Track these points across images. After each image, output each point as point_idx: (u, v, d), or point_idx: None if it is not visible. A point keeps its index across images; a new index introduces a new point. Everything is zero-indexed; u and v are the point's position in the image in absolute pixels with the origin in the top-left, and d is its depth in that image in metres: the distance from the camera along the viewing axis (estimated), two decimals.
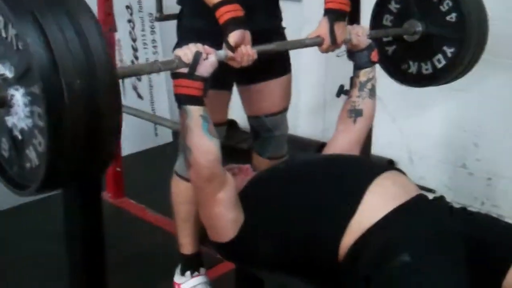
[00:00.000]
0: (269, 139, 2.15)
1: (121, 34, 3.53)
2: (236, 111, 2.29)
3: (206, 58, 1.49)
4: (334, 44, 1.81)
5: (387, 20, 2.18)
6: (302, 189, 1.59)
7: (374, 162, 1.74)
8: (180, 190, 2.04)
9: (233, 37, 1.58)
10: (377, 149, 2.98)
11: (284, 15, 2.10)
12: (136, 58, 3.77)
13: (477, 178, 2.86)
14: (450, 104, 2.87)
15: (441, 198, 1.61)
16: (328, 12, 1.82)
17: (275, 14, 2.02)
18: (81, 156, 1.13)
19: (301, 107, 3.48)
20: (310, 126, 3.53)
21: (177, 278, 2.18)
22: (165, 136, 3.87)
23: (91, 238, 1.53)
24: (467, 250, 1.45)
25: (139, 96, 3.82)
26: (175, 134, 2.91)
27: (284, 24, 2.09)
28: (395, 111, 3.09)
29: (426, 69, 2.12)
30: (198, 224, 2.05)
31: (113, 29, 2.77)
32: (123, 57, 3.69)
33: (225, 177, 1.57)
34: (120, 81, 3.79)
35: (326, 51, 1.84)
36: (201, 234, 1.99)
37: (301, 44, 1.83)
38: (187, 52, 1.47)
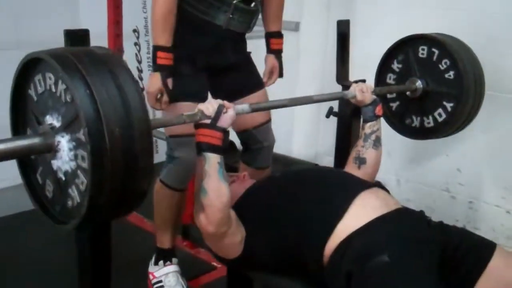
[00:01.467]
0: (258, 151, 2.38)
1: (128, 56, 3.65)
2: (233, 132, 2.44)
3: (226, 112, 1.66)
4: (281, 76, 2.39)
5: (390, 78, 2.37)
6: (295, 198, 1.76)
7: (360, 178, 1.91)
8: (164, 197, 2.28)
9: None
10: None
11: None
12: (141, 79, 3.95)
13: (459, 201, 3.01)
14: None
15: (420, 212, 1.78)
16: (275, 51, 2.38)
17: (242, 48, 2.31)
18: (118, 193, 1.28)
19: (296, 130, 3.64)
20: (304, 149, 3.68)
21: (151, 268, 2.40)
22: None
23: (99, 243, 1.70)
24: (442, 258, 1.61)
25: None
26: None
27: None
28: (384, 137, 3.22)
29: (428, 122, 2.29)
30: (177, 225, 2.34)
31: (121, 50, 2.94)
32: None
33: (231, 216, 1.69)
34: None
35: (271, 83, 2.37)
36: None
37: (308, 99, 2.00)
38: (209, 106, 1.65)
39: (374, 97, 2.06)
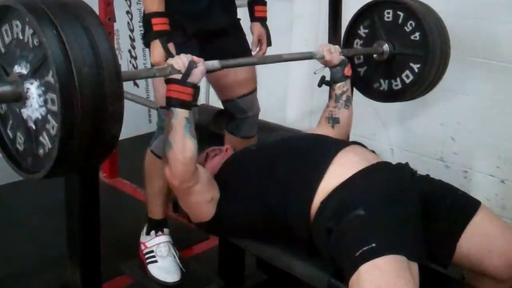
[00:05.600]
0: (243, 120, 2.38)
1: (120, 24, 3.67)
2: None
3: (196, 67, 1.68)
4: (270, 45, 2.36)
5: (357, 44, 2.40)
6: (275, 162, 1.78)
7: (337, 139, 1.95)
8: (155, 168, 2.24)
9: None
10: (360, 141, 3.11)
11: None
12: (133, 47, 3.95)
13: (453, 170, 3.01)
14: (430, 100, 2.97)
15: (405, 164, 1.80)
16: (260, 19, 2.33)
17: (232, 10, 2.28)
18: (88, 137, 1.28)
19: (290, 98, 3.63)
20: (297, 118, 3.67)
21: (143, 238, 2.39)
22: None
23: (88, 212, 1.65)
24: (425, 207, 1.62)
25: (135, 84, 4.00)
26: None
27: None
28: (377, 105, 3.16)
29: (396, 85, 2.32)
30: (167, 195, 2.30)
31: (113, 19, 2.90)
32: (121, 46, 3.87)
33: (197, 173, 1.72)
34: None
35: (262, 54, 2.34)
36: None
37: (278, 58, 2.03)
38: (178, 61, 1.66)
39: (343, 57, 2.10)
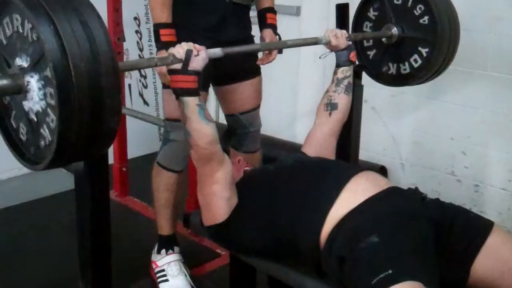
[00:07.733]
0: (244, 135, 2.41)
1: (129, 44, 3.72)
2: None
3: (197, 55, 1.68)
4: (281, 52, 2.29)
5: (367, 26, 2.38)
6: (289, 186, 1.77)
7: (350, 164, 1.94)
8: (161, 179, 2.29)
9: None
10: (370, 156, 3.19)
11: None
12: None
13: (465, 185, 2.98)
14: (440, 114, 3.04)
15: (415, 189, 1.76)
16: (272, 26, 2.32)
17: (246, 25, 2.29)
18: (86, 130, 1.31)
19: (299, 115, 3.63)
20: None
21: (154, 257, 2.41)
22: None
23: (99, 231, 1.65)
24: (438, 233, 1.59)
25: (145, 103, 4.07)
26: None
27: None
28: (387, 120, 3.24)
29: (404, 69, 2.31)
30: (175, 209, 2.35)
31: (122, 39, 2.94)
32: None
33: (223, 158, 1.75)
34: (127, 88, 3.92)
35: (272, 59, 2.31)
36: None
37: (283, 44, 2.03)
38: (180, 50, 1.67)
39: (349, 43, 2.09)
